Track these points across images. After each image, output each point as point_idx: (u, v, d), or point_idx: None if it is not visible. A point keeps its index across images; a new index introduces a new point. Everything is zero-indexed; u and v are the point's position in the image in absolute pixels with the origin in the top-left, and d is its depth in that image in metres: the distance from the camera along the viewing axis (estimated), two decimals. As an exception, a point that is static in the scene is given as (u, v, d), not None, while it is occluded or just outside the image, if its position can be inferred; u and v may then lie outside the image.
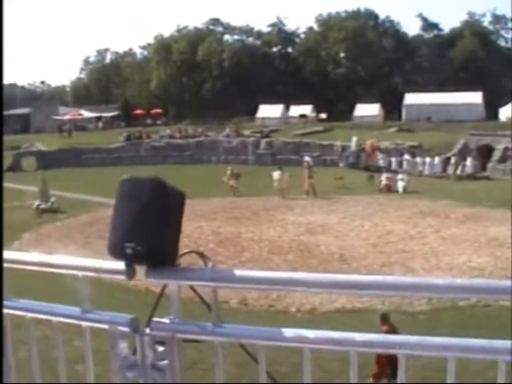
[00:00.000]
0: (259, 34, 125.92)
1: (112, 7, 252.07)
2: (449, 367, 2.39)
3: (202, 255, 2.77)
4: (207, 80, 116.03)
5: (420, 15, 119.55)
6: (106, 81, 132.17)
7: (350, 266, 23.85)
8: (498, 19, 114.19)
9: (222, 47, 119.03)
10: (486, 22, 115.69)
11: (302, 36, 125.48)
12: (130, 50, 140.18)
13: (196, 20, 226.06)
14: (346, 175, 47.77)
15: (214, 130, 72.58)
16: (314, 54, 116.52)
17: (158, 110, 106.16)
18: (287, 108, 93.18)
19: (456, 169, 49.82)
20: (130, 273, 2.59)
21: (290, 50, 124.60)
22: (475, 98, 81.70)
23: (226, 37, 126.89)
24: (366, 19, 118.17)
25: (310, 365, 2.52)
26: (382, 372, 12.71)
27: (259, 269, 2.74)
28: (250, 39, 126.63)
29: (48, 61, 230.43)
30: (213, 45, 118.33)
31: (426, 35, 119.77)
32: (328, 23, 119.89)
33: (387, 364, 12.17)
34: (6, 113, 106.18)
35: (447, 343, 2.36)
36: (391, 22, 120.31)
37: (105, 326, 2.72)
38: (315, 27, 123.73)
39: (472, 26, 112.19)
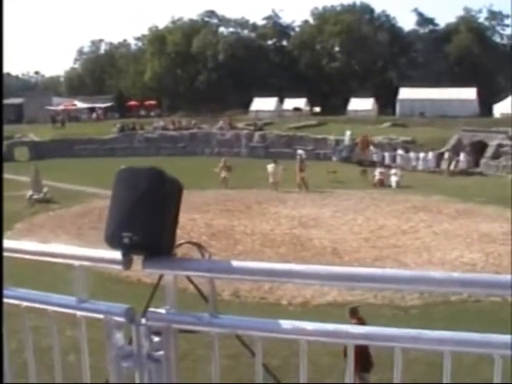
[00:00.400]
0: (254, 27, 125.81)
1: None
2: (445, 361, 2.39)
3: (199, 246, 2.77)
4: (201, 72, 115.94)
5: (415, 10, 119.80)
6: (100, 72, 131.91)
7: (343, 259, 23.87)
8: (493, 15, 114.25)
9: (216, 39, 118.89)
10: (482, 17, 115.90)
11: (297, 29, 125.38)
12: (125, 41, 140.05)
13: (191, 12, 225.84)
14: (339, 169, 47.78)
15: (208, 123, 72.58)
16: (309, 48, 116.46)
17: (152, 102, 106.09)
18: (281, 101, 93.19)
19: (449, 164, 49.90)
20: (126, 263, 2.58)
21: (284, 43, 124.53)
22: (469, 93, 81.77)
23: (221, 29, 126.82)
24: (362, 13, 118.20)
25: (306, 357, 2.53)
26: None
27: (251, 261, 2.73)
28: (245, 32, 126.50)
29: (42, 51, 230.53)
30: (208, 37, 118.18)
31: (422, 30, 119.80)
32: (323, 16, 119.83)
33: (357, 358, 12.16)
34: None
35: (443, 337, 2.36)
36: (387, 16, 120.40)
37: (100, 316, 2.71)
38: (310, 20, 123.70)
39: (468, 22, 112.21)
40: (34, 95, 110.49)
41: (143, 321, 2.64)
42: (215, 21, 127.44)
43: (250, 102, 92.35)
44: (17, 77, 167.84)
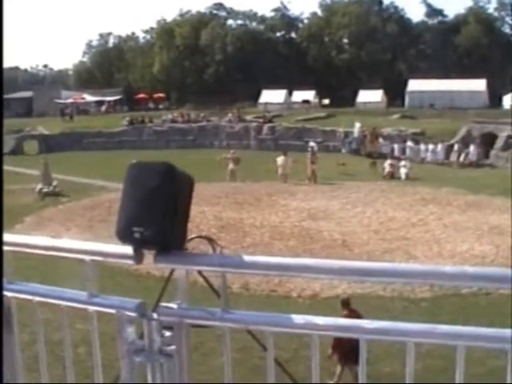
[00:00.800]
0: (262, 19, 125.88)
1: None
2: (458, 356, 2.38)
3: (210, 240, 2.77)
4: (210, 64, 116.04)
5: (424, 1, 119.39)
6: (108, 65, 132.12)
7: (352, 252, 23.86)
8: (503, 6, 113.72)
9: (225, 32, 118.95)
10: (491, 8, 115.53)
11: (306, 21, 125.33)
12: (133, 34, 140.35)
13: (199, 4, 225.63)
14: (348, 161, 47.72)
15: (217, 115, 72.62)
16: (318, 40, 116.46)
17: (161, 95, 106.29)
18: (290, 93, 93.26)
19: (459, 156, 49.80)
20: (137, 257, 2.58)
21: (293, 35, 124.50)
22: (479, 85, 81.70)
23: (230, 21, 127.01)
24: (370, 5, 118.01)
25: (318, 352, 2.52)
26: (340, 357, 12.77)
27: (262, 254, 2.73)
28: (254, 24, 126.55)
29: (51, 44, 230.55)
30: (216, 29, 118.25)
31: (430, 21, 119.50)
32: (332, 8, 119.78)
33: (336, 348, 12.27)
34: (8, 96, 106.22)
35: (456, 332, 2.35)
36: (395, 7, 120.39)
37: (112, 311, 2.71)
38: (319, 12, 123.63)
39: (477, 13, 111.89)
40: (42, 89, 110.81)
41: (155, 316, 2.64)
42: (223, 13, 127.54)
43: (258, 94, 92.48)
44: (26, 70, 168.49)
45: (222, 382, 2.67)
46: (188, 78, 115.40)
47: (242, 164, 42.85)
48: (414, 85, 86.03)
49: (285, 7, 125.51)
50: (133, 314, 2.65)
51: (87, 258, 2.78)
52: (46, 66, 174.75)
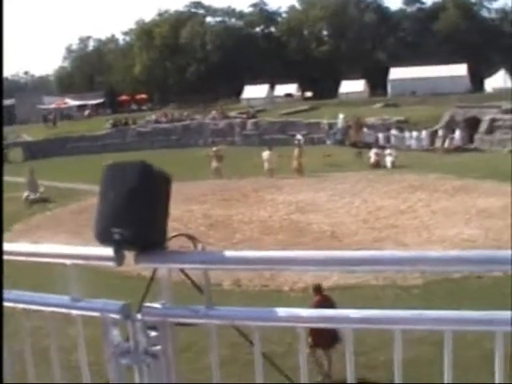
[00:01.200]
0: (241, 15, 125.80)
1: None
2: (446, 340, 2.37)
3: (191, 238, 2.74)
4: (191, 63, 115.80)
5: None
6: (89, 68, 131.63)
7: (342, 242, 23.85)
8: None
9: (204, 30, 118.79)
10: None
11: (284, 15, 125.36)
12: (113, 36, 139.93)
13: (177, 3, 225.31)
14: (333, 152, 47.79)
15: (200, 113, 72.53)
16: (297, 33, 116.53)
17: (143, 96, 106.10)
18: (272, 88, 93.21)
19: (444, 142, 49.90)
20: (118, 258, 2.55)
21: (272, 29, 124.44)
22: (460, 70, 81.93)
23: (208, 19, 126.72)
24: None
25: (304, 344, 2.51)
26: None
27: (250, 249, 2.70)
28: (233, 20, 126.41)
29: (31, 51, 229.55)
30: (195, 27, 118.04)
31: (409, 9, 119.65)
32: (310, 1, 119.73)
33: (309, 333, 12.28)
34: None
35: (443, 316, 2.34)
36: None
37: (96, 314, 2.69)
38: (297, 5, 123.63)
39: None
40: (24, 96, 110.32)
41: (139, 316, 2.62)
42: (202, 11, 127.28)
43: (241, 90, 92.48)
44: (6, 78, 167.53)
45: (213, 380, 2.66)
46: (170, 77, 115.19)
47: (228, 160, 42.74)
48: (396, 73, 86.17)
49: (263, 2, 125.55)
50: (117, 316, 2.63)
51: (68, 261, 2.76)
52: (26, 72, 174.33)
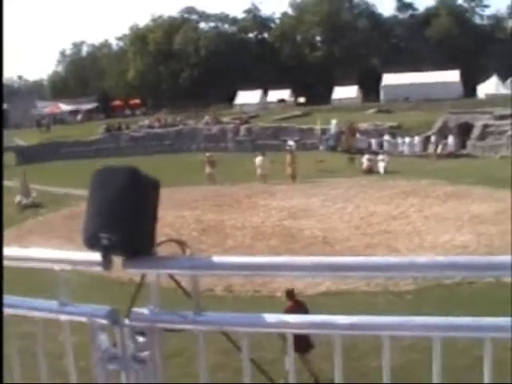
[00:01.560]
0: (234, 21, 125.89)
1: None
2: (434, 347, 2.36)
3: (180, 243, 2.73)
4: (184, 68, 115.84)
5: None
6: (83, 73, 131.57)
7: (334, 248, 23.87)
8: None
9: (197, 35, 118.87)
10: (461, 0, 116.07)
11: (278, 21, 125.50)
12: (106, 41, 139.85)
13: (171, 9, 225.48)
14: (326, 158, 47.83)
15: (193, 119, 72.50)
16: (290, 39, 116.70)
17: (137, 101, 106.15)
18: (265, 93, 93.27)
19: (436, 148, 50.01)
20: (106, 264, 2.54)
21: (266, 35, 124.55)
22: (453, 76, 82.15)
23: (202, 25, 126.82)
24: (341, 1, 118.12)
25: (293, 350, 2.50)
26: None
27: (242, 255, 2.69)
28: (226, 26, 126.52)
29: (24, 56, 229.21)
30: (188, 33, 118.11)
31: (401, 15, 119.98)
32: (303, 7, 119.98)
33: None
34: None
35: (432, 323, 2.34)
36: (366, 3, 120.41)
37: (83, 319, 2.68)
38: (290, 11, 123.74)
39: (447, 5, 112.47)
40: (17, 100, 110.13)
41: (127, 322, 2.60)
42: (195, 17, 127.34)
43: (234, 95, 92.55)
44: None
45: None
46: (163, 82, 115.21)
47: (221, 166, 42.72)
48: (388, 79, 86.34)
49: (256, 8, 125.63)
50: (104, 321, 2.62)
51: (56, 266, 2.75)
52: (20, 77, 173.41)
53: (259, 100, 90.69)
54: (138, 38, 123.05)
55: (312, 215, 30.09)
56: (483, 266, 2.28)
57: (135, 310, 2.62)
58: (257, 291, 19.12)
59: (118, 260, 2.58)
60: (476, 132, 49.88)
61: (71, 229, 28.68)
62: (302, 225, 28.15)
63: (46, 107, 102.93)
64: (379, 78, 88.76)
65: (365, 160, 44.43)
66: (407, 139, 52.23)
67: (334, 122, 57.39)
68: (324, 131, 57.87)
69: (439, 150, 49.64)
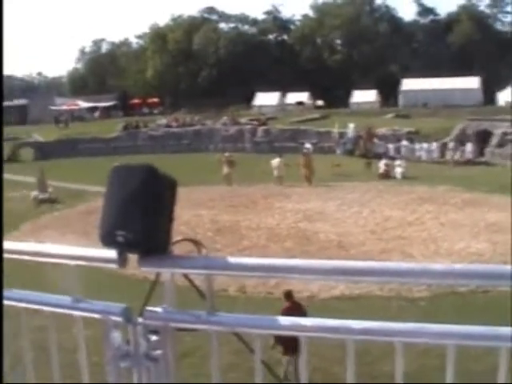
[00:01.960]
0: (254, 22, 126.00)
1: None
2: (448, 355, 2.35)
3: (195, 243, 2.73)
4: (203, 68, 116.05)
5: (416, 0, 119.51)
6: (102, 71, 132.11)
7: (349, 252, 23.82)
8: (495, 2, 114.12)
9: (217, 35, 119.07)
10: (483, 6, 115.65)
11: (298, 23, 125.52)
12: (126, 39, 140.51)
13: (191, 9, 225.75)
14: (343, 162, 47.75)
15: (211, 119, 72.57)
16: (310, 41, 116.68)
17: (155, 100, 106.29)
18: (284, 95, 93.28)
19: (454, 154, 49.85)
20: (121, 261, 2.55)
21: (285, 37, 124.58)
22: (473, 82, 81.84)
23: (222, 25, 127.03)
24: (362, 5, 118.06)
25: (306, 353, 2.49)
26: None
27: (256, 256, 2.69)
28: (246, 27, 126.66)
29: (45, 52, 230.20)
30: (208, 33, 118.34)
31: (423, 20, 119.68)
32: (323, 10, 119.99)
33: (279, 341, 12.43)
34: (3, 104, 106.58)
35: (447, 330, 2.32)
36: (387, 7, 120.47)
37: (97, 316, 2.69)
38: (311, 14, 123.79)
39: (469, 11, 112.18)
40: (37, 96, 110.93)
41: (140, 320, 2.61)
42: (215, 17, 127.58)
43: (252, 97, 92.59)
44: (20, 78, 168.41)
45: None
46: (182, 82, 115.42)
47: (237, 167, 42.73)
48: (408, 84, 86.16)
49: (276, 10, 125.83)
50: (118, 319, 2.62)
51: (71, 262, 2.76)
52: (40, 73, 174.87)
53: (278, 102, 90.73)
54: (158, 36, 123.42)
55: (327, 219, 30.05)
56: (498, 275, 2.26)
57: (149, 308, 2.63)
58: (270, 293, 19.09)
59: (133, 257, 2.58)
60: (495, 139, 49.73)
61: (87, 224, 28.80)
62: (317, 228, 28.11)
63: (65, 104, 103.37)
64: (398, 83, 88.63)
65: (382, 165, 44.35)
66: (425, 145, 52.14)
67: (351, 125, 57.39)
68: (341, 135, 57.86)
69: (457, 157, 49.50)
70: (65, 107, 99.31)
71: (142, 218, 2.48)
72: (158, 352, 2.61)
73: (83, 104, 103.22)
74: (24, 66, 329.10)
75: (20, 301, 2.93)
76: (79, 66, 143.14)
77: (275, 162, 41.60)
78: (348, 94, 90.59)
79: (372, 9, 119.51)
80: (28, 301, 2.92)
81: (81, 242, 23.88)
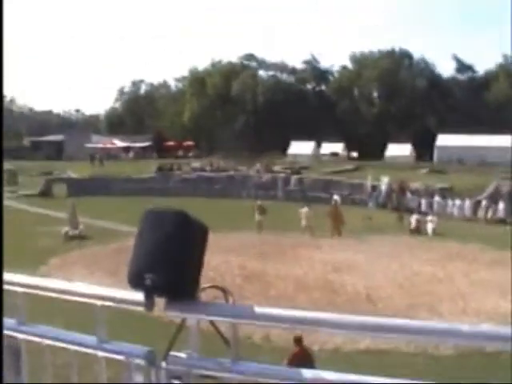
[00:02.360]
0: (293, 71, 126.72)
1: (148, 39, 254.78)
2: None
3: (223, 290, 2.74)
4: (240, 114, 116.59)
5: (455, 57, 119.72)
6: (139, 111, 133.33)
7: (376, 306, 23.62)
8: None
9: (255, 82, 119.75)
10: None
11: (336, 74, 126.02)
12: (165, 81, 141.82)
13: (230, 54, 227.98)
14: (375, 215, 47.57)
15: (245, 165, 72.83)
16: (348, 92, 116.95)
17: (190, 143, 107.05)
18: (319, 145, 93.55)
19: (486, 212, 49.50)
20: (149, 304, 2.56)
21: (323, 87, 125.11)
22: (508, 141, 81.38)
23: (260, 72, 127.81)
24: (401, 58, 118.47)
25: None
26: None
27: (282, 306, 2.69)
28: (284, 75, 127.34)
29: (83, 90, 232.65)
30: (247, 80, 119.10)
31: (460, 76, 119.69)
32: (362, 61, 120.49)
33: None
34: (40, 139, 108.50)
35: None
36: (425, 62, 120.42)
37: (121, 358, 2.69)
38: (349, 65, 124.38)
39: (507, 69, 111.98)
40: (73, 133, 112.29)
41: (164, 364, 2.61)
42: (254, 64, 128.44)
43: (287, 145, 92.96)
44: (58, 114, 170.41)
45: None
46: (218, 126, 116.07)
47: (269, 215, 42.71)
48: (443, 139, 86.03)
49: (315, 59, 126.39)
50: (141, 362, 2.62)
51: (98, 302, 2.77)
52: (78, 110, 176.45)
53: (312, 151, 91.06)
54: (197, 80, 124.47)
55: (356, 271, 29.84)
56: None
57: (173, 353, 2.62)
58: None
59: (160, 300, 2.59)
60: (528, 200, 49.38)
61: (115, 263, 28.81)
62: (345, 280, 27.91)
63: (101, 141, 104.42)
64: (434, 138, 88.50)
65: (413, 220, 44.12)
66: (458, 202, 51.84)
67: (385, 179, 57.28)
68: (374, 187, 57.75)
69: (489, 215, 49.15)
70: (100, 145, 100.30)
71: (171, 263, 2.50)
72: (180, 398, 2.60)
73: (119, 143, 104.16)
74: (62, 102, 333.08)
75: (44, 337, 2.95)
76: (117, 105, 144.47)
77: (303, 211, 41.61)
78: (383, 147, 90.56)
79: (410, 63, 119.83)
80: (53, 338, 2.93)
81: (108, 281, 23.94)
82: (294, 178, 64.83)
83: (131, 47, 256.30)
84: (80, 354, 2.90)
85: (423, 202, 53.25)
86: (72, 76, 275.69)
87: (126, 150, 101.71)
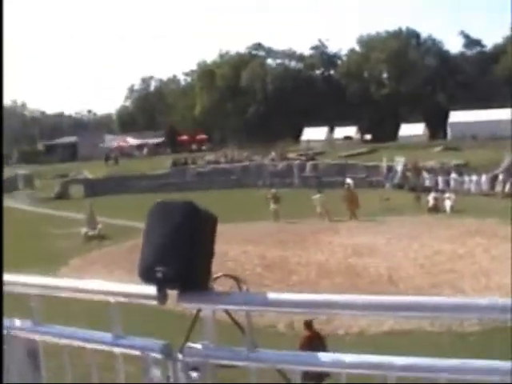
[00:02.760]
0: (301, 57, 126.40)
1: (155, 35, 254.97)
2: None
3: (235, 279, 2.72)
4: (251, 104, 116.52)
5: (462, 33, 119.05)
6: (150, 108, 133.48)
7: (398, 287, 23.58)
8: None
9: (264, 71, 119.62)
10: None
11: (344, 58, 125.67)
12: (174, 76, 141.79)
13: (238, 45, 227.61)
14: (392, 196, 47.45)
15: (260, 154, 72.77)
16: (357, 76, 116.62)
17: (203, 136, 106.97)
18: (332, 130, 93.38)
19: (504, 186, 49.23)
20: (161, 297, 2.54)
21: (332, 72, 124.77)
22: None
23: (269, 61, 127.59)
24: (408, 38, 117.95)
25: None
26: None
27: (308, 292, 2.65)
28: (293, 62, 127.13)
29: (94, 90, 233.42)
30: (256, 69, 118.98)
31: (469, 52, 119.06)
32: (370, 44, 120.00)
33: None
34: (54, 142, 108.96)
35: (493, 367, 2.25)
36: (433, 40, 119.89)
37: (137, 352, 2.67)
38: (357, 48, 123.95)
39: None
40: (86, 134, 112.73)
41: (180, 356, 2.59)
42: (262, 53, 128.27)
43: (300, 132, 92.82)
44: (70, 116, 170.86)
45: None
46: (229, 118, 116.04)
47: (286, 202, 42.67)
48: (455, 116, 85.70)
49: (323, 45, 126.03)
50: (158, 356, 2.61)
51: (111, 298, 2.75)
52: (89, 111, 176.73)
53: (325, 137, 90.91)
54: (206, 73, 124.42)
55: (377, 253, 29.79)
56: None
57: (189, 344, 2.61)
58: (320, 329, 18.91)
59: (173, 293, 2.57)
60: (545, 171, 49.13)
61: (134, 261, 28.57)
62: (366, 263, 27.86)
63: (114, 141, 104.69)
64: (446, 116, 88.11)
65: (431, 198, 43.94)
66: (474, 177, 51.58)
67: (400, 159, 57.10)
68: (390, 168, 57.60)
69: (507, 189, 48.87)
70: (114, 144, 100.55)
71: (181, 254, 2.47)
72: (199, 388, 2.59)
73: (132, 141, 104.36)
74: (74, 103, 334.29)
75: (60, 336, 2.94)
76: (128, 103, 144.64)
77: (316, 198, 41.63)
78: (396, 128, 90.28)
79: (418, 42, 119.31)
80: (67, 337, 2.92)
81: (127, 279, 23.95)
82: (309, 164, 64.76)
83: (138, 45, 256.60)
84: (97, 352, 2.89)
85: (440, 179, 53.03)
86: (82, 77, 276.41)
87: (140, 147, 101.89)
